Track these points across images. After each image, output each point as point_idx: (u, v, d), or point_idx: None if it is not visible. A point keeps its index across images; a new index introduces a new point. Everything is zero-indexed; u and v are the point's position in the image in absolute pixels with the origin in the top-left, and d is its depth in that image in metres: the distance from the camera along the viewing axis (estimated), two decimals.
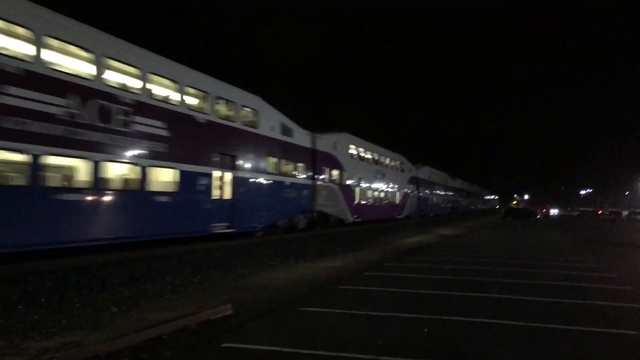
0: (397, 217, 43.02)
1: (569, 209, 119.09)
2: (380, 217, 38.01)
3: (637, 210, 77.63)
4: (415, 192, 50.40)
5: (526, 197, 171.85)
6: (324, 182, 28.13)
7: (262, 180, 20.93)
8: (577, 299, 9.51)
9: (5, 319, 6.71)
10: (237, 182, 18.89)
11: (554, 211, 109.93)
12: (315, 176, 26.86)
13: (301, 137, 25.34)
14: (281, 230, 22.77)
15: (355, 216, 32.44)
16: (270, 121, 21.97)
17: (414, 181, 49.84)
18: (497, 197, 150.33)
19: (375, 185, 37.37)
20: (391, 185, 41.40)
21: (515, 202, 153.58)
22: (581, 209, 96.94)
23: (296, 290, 9.86)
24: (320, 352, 5.91)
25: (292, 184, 24.08)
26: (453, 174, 78.13)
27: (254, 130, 20.56)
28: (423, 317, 7.69)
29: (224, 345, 6.19)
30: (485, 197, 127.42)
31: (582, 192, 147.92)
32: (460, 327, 7.25)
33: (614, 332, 7.14)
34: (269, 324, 7.30)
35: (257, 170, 20.57)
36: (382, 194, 39.45)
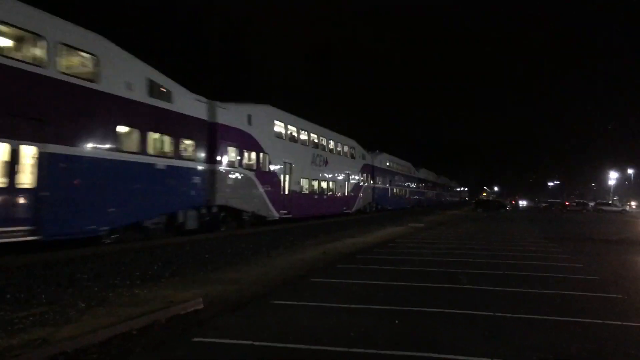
0: (346, 211, 37.31)
1: (537, 200, 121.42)
2: (321, 212, 32.03)
3: (603, 202, 79.75)
4: (370, 182, 44.42)
5: (496, 189, 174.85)
6: (232, 167, 21.46)
7: (106, 160, 14.47)
8: (545, 289, 9.72)
9: None
10: (49, 162, 12.57)
11: (522, 203, 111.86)
12: (218, 158, 20.25)
13: (188, 104, 18.51)
14: (155, 232, 16.83)
15: (284, 212, 26.12)
16: (125, 75, 15.35)
17: (369, 170, 43.94)
18: (466, 189, 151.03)
19: (313, 174, 30.80)
20: (337, 174, 35.39)
21: (485, 194, 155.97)
22: (549, 200, 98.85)
23: (267, 283, 9.85)
24: (292, 345, 5.92)
25: (172, 168, 17.37)
26: (418, 164, 74.85)
27: (88, 85, 13.97)
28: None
29: (195, 339, 6.15)
30: (455, 189, 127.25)
31: (550, 183, 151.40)
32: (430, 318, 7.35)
33: (580, 321, 7.31)
34: (240, 318, 7.27)
35: (95, 145, 14.17)
36: (325, 184, 33.03)
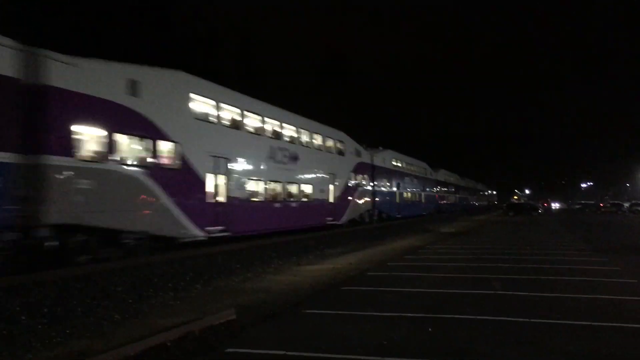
0: (332, 222, 27.65)
1: (570, 202, 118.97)
2: (288, 226, 22.93)
3: (638, 202, 77.69)
4: (370, 185, 35.03)
5: (527, 192, 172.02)
6: (92, 160, 12.98)
7: None
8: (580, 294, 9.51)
9: (8, 330, 6.69)
10: None
11: (555, 205, 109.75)
12: (53, 145, 12.01)
13: None
14: None
15: (220, 228, 17.75)
16: None
17: (367, 170, 34.77)
18: (494, 193, 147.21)
19: (273, 174, 21.96)
20: (315, 174, 26.42)
21: (516, 197, 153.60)
22: (582, 202, 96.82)
23: (298, 292, 9.84)
24: (326, 355, 5.90)
25: None
26: (442, 166, 66.60)
27: None
28: None
29: (228, 350, 6.18)
30: (482, 193, 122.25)
31: (583, 185, 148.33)
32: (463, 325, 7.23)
33: (617, 325, 7.11)
34: (273, 328, 7.28)
35: None
36: (294, 188, 24.01)
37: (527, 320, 7.40)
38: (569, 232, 28.71)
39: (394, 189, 41.81)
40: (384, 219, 37.89)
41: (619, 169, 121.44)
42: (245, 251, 16.08)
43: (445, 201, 66.61)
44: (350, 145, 32.15)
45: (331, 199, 28.20)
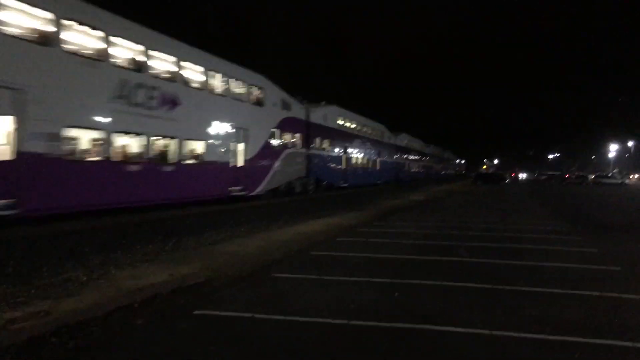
0: (239, 194, 21.77)
1: (536, 174, 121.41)
2: (147, 199, 16.49)
3: (603, 174, 79.82)
4: (302, 148, 29.18)
5: (496, 161, 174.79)
6: None
7: None
8: (542, 262, 9.78)
9: None
10: None
11: (522, 175, 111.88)
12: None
13: None
14: None
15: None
16: None
17: (299, 128, 28.88)
18: (463, 162, 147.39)
19: (121, 120, 15.30)
20: (208, 127, 19.86)
21: (485, 167, 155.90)
22: (548, 173, 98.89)
23: (268, 256, 9.88)
24: (293, 318, 5.97)
25: None
26: (397, 129, 59.31)
27: None
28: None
29: (196, 312, 6.20)
30: (451, 161, 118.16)
31: (550, 156, 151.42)
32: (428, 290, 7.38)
33: (578, 293, 7.35)
34: (242, 291, 7.32)
35: None
36: (164, 144, 17.61)
37: (492, 286, 7.60)
38: (530, 200, 29.42)
39: (339, 153, 36.50)
40: (326, 189, 33.19)
41: (586, 141, 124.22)
42: None
43: (406, 169, 61.92)
44: (274, 94, 25.17)
45: (239, 163, 21.61)
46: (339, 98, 43.97)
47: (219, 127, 20.26)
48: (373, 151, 45.69)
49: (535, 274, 8.78)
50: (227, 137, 20.74)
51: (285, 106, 26.99)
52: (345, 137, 38.14)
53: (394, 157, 55.33)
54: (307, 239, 12.05)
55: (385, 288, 7.51)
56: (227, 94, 21.11)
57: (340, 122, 37.76)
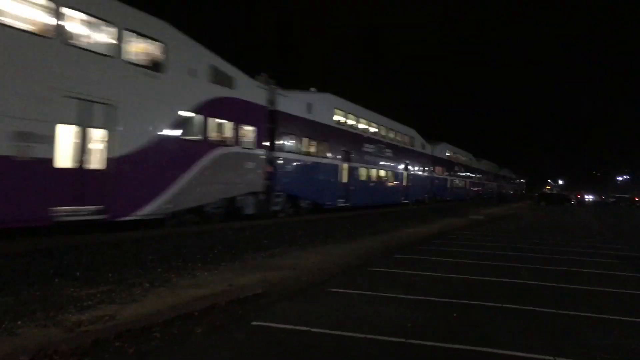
0: (68, 219, 11.50)
1: (603, 196, 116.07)
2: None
3: None
4: (259, 147, 19.40)
5: (560, 182, 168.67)
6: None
7: None
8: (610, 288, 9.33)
9: (42, 291, 6.89)
10: None
11: (588, 197, 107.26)
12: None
13: None
14: None
15: None
16: None
17: (254, 117, 19.18)
18: (522, 181, 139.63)
19: None
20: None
21: (548, 187, 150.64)
22: (617, 195, 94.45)
23: (325, 270, 9.87)
24: (349, 333, 5.92)
25: None
26: (436, 138, 49.82)
27: None
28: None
29: (254, 323, 6.25)
30: (508, 179, 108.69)
31: (619, 178, 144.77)
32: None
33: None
34: (298, 304, 7.33)
35: None
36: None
37: (554, 311, 7.30)
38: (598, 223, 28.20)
39: (335, 159, 26.40)
40: (306, 210, 23.37)
41: None
42: None
43: (447, 186, 51.78)
44: (190, 56, 15.72)
45: (93, 163, 12.33)
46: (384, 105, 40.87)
47: (23, 92, 10.69)
48: (396, 161, 34.35)
49: (598, 299, 8.38)
50: (50, 113, 11.15)
51: (220, 80, 17.15)
52: (347, 139, 28.14)
53: (430, 171, 45.00)
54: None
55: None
56: (59, 35, 11.42)
57: (338, 117, 27.61)
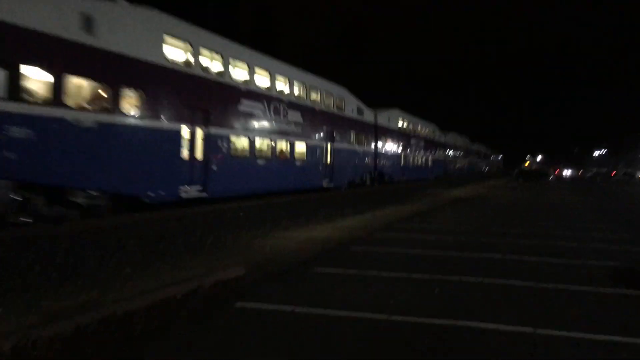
0: None
1: (581, 171, 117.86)
2: None
3: None
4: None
5: (539, 158, 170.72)
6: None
7: None
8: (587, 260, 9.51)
9: (22, 279, 6.81)
10: None
11: (567, 172, 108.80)
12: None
13: None
14: None
15: None
16: None
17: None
18: (500, 157, 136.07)
19: None
20: None
21: (527, 163, 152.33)
22: (594, 170, 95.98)
23: (308, 250, 9.90)
24: (334, 312, 5.96)
25: None
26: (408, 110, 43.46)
27: None
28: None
29: (238, 305, 6.27)
30: (490, 157, 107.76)
31: (596, 153, 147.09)
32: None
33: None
34: (282, 285, 7.35)
35: None
36: None
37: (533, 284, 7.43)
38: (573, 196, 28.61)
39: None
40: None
41: (633, 138, 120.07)
42: None
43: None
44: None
45: None
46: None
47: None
48: (309, 130, 24.94)
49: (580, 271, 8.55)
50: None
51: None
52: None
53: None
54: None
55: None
56: None
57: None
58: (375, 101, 35.41)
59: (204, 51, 17.78)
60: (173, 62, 16.18)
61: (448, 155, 62.15)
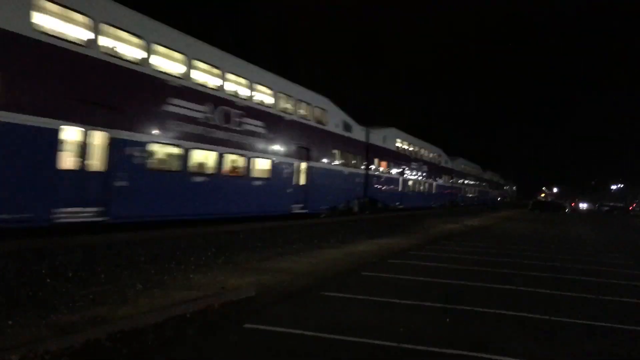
0: None
1: (598, 204, 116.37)
2: None
3: None
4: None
5: (555, 190, 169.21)
6: None
7: None
8: (602, 295, 9.34)
9: (34, 291, 6.84)
10: None
11: (583, 205, 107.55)
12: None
13: None
14: None
15: None
16: None
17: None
18: (513, 187, 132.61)
19: None
20: None
21: (543, 194, 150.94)
22: (611, 204, 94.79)
23: (319, 274, 9.84)
24: (342, 337, 5.90)
25: None
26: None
27: None
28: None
29: (247, 325, 6.22)
30: (505, 187, 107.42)
31: (613, 187, 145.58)
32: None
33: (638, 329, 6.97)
34: (292, 307, 7.30)
35: None
36: None
37: (547, 317, 7.31)
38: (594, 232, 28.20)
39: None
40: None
41: None
42: None
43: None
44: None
45: None
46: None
47: None
48: (279, 143, 20.75)
49: (593, 306, 8.40)
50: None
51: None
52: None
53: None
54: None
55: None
56: None
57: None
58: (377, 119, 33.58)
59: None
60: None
61: (456, 183, 56.44)
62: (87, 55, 12.44)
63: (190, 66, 15.93)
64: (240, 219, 17.80)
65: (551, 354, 5.70)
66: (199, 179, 16.25)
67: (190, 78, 16.00)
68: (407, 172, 37.98)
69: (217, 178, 17.03)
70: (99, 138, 12.70)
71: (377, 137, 31.94)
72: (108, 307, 6.27)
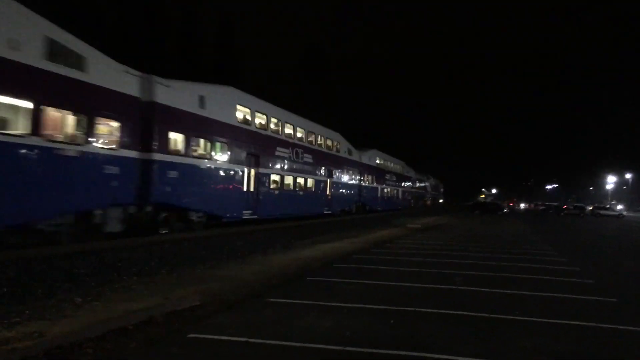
0: None
1: (532, 204, 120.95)
2: None
3: (601, 206, 79.91)
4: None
5: (494, 191, 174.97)
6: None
7: None
8: (539, 292, 9.75)
9: None
10: None
11: (520, 206, 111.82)
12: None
13: None
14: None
15: None
16: None
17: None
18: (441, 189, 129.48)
19: None
20: None
21: (483, 195, 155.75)
22: (546, 203, 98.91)
23: (264, 281, 9.84)
24: (288, 343, 5.94)
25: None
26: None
27: None
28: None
29: (191, 335, 6.17)
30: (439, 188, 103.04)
31: (548, 187, 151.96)
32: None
33: (575, 324, 7.34)
34: (237, 315, 7.28)
35: None
36: None
37: (487, 315, 7.58)
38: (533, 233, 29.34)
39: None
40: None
41: (584, 173, 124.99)
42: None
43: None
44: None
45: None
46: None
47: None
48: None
49: (530, 303, 8.76)
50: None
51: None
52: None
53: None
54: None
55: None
56: None
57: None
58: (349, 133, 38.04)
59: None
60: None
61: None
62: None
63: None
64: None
65: (492, 352, 5.92)
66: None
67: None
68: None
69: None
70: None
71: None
72: (45, 323, 6.08)
